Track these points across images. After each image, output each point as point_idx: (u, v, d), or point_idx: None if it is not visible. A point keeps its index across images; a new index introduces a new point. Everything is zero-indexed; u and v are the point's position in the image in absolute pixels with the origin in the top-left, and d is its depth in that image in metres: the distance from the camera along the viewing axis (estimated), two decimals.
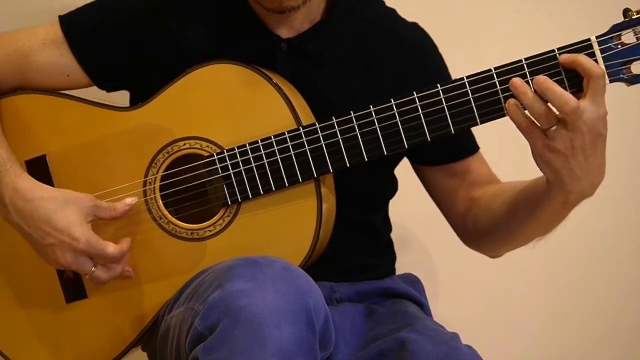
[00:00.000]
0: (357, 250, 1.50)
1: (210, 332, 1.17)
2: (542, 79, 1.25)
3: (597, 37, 1.27)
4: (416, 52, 1.50)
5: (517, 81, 1.25)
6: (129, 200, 1.39)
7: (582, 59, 1.24)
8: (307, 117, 1.39)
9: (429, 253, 2.05)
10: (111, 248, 1.36)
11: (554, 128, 1.25)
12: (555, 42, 1.29)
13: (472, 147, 1.53)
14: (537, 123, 1.25)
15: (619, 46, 1.26)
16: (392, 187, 1.57)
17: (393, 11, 1.53)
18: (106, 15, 1.46)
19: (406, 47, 1.49)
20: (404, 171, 1.57)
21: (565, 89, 1.25)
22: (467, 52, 1.85)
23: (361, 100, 1.37)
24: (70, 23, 1.47)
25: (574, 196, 1.30)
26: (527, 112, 1.26)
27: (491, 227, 1.46)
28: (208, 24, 1.45)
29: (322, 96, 1.44)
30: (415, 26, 1.53)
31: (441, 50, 1.54)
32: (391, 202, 1.58)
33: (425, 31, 1.54)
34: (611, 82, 1.27)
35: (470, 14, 2.00)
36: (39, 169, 1.44)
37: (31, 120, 1.45)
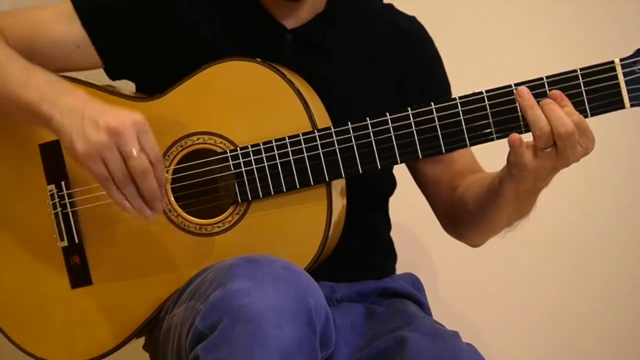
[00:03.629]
0: (358, 250, 1.50)
1: (211, 331, 1.17)
2: (558, 94, 1.25)
3: (621, 60, 1.26)
4: (415, 42, 1.53)
5: (523, 92, 1.27)
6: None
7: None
8: (322, 119, 1.38)
9: (429, 252, 2.06)
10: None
11: (548, 150, 1.25)
12: (579, 61, 1.29)
13: None
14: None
15: None
16: (391, 182, 1.58)
17: (390, 5, 1.57)
18: None
19: (405, 37, 1.52)
20: (404, 170, 1.57)
21: (584, 110, 1.26)
22: (469, 55, 1.87)
23: (365, 90, 1.40)
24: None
25: (525, 188, 1.33)
26: None
27: (465, 214, 1.49)
28: (215, 12, 1.46)
29: (327, 86, 1.44)
30: (412, 18, 1.56)
31: (441, 51, 1.57)
32: (391, 201, 1.58)
33: (422, 24, 1.56)
34: (632, 106, 1.26)
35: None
36: (52, 153, 1.43)
37: None
